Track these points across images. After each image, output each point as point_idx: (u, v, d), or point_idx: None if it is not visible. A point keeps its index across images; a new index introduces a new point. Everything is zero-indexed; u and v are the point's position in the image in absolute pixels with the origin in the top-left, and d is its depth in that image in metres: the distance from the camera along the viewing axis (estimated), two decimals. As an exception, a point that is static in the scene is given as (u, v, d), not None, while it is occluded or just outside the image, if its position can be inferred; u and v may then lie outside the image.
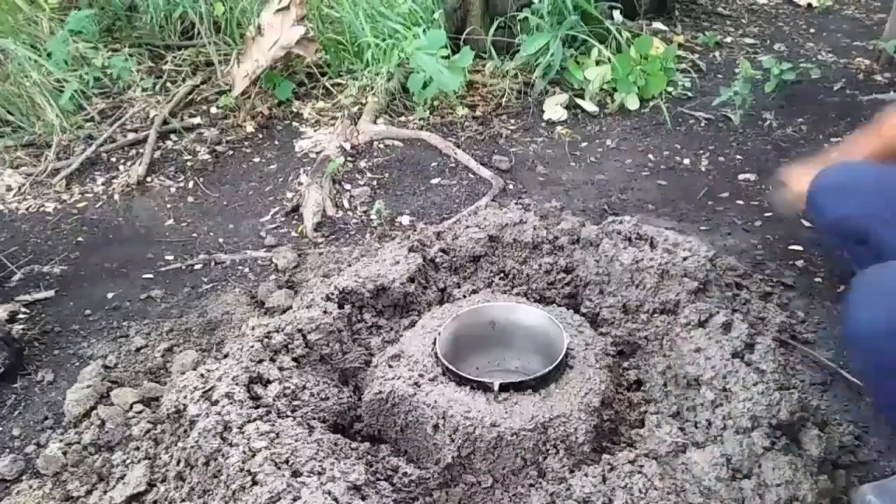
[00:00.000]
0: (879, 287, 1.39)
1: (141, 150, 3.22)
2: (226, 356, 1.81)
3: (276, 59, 3.44)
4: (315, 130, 3.35)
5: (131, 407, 1.88)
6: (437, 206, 2.82)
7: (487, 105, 3.48)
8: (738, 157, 3.06)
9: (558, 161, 3.10)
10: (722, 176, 2.93)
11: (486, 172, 2.96)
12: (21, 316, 2.31)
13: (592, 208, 2.73)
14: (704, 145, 3.16)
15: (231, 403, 1.60)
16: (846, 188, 1.77)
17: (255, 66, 3.45)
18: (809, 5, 4.69)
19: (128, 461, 1.74)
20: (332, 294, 1.97)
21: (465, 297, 2.09)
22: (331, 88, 3.59)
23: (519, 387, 1.66)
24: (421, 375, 1.74)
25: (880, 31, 4.01)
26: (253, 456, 1.47)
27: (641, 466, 1.56)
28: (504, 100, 3.49)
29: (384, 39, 3.45)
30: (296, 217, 2.81)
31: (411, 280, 2.05)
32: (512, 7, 3.45)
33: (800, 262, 2.37)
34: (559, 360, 1.69)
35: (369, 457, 1.59)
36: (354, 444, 1.62)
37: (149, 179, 3.08)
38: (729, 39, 4.12)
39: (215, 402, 1.61)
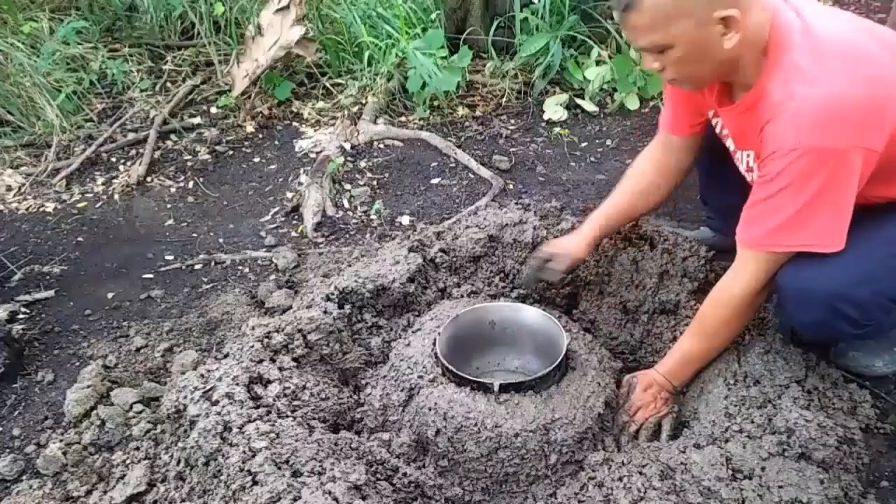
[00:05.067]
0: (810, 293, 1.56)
1: (141, 150, 3.22)
2: (226, 356, 1.81)
3: (276, 59, 3.44)
4: (315, 130, 3.35)
5: (131, 407, 1.88)
6: (437, 206, 2.82)
7: (487, 105, 3.48)
8: (738, 157, 3.06)
9: (558, 161, 3.10)
10: (722, 176, 2.93)
11: (486, 172, 2.96)
12: (21, 316, 2.31)
13: (592, 208, 2.72)
14: (704, 145, 3.16)
15: (231, 403, 1.60)
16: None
17: (255, 66, 3.45)
18: (809, 5, 4.70)
19: (128, 461, 1.74)
20: (332, 294, 1.97)
21: (461, 297, 2.09)
22: (331, 88, 3.59)
23: (519, 387, 1.66)
24: (420, 377, 1.74)
25: (880, 31, 4.00)
26: (253, 456, 1.47)
27: (642, 466, 1.56)
28: (504, 100, 3.48)
29: (383, 40, 3.45)
30: (296, 217, 2.81)
31: (411, 280, 2.05)
32: (512, 7, 3.45)
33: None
34: (559, 360, 1.70)
35: (369, 457, 1.59)
36: (355, 444, 1.61)
37: (149, 179, 3.07)
38: (729, 39, 4.12)
39: (215, 402, 1.61)
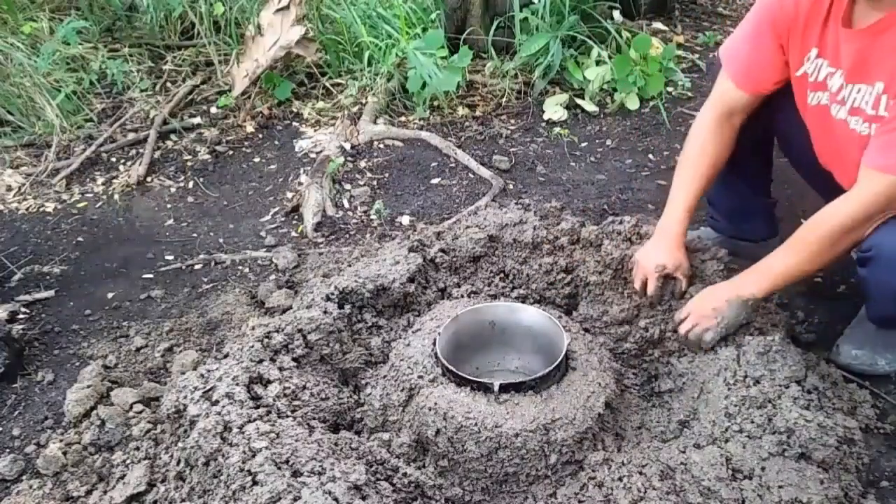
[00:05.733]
0: None
1: (141, 150, 3.21)
2: (226, 356, 1.81)
3: (276, 59, 3.44)
4: (315, 130, 3.35)
5: (131, 407, 1.88)
6: (437, 206, 2.82)
7: (487, 105, 3.47)
8: (738, 157, 3.05)
9: (558, 161, 3.10)
10: (722, 176, 2.93)
11: (486, 172, 2.96)
12: (21, 316, 2.31)
13: (592, 208, 2.73)
14: (704, 145, 3.15)
15: (231, 403, 1.60)
16: None
17: (255, 66, 3.45)
18: (809, 5, 4.68)
19: (128, 461, 1.74)
20: (332, 294, 1.97)
21: (461, 297, 2.09)
22: (331, 88, 3.59)
23: (519, 387, 1.66)
24: (420, 377, 1.74)
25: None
26: (253, 456, 1.47)
27: (642, 466, 1.56)
28: (504, 100, 3.48)
29: (383, 40, 3.45)
30: (296, 217, 2.81)
31: (411, 280, 2.05)
32: (512, 7, 3.45)
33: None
34: (559, 360, 1.69)
35: (369, 457, 1.59)
36: (355, 444, 1.61)
37: (149, 179, 3.07)
38: (729, 39, 4.11)
39: (215, 402, 1.61)
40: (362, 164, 3.10)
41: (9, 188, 3.03)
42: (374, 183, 2.98)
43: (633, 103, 3.41)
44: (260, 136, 3.37)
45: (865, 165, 1.57)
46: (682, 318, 1.81)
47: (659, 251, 1.93)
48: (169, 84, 3.71)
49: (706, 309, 1.77)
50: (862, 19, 1.57)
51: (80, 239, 2.75)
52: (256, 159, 3.22)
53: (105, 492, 1.68)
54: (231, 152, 3.26)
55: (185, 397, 1.66)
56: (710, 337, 1.77)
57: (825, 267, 1.76)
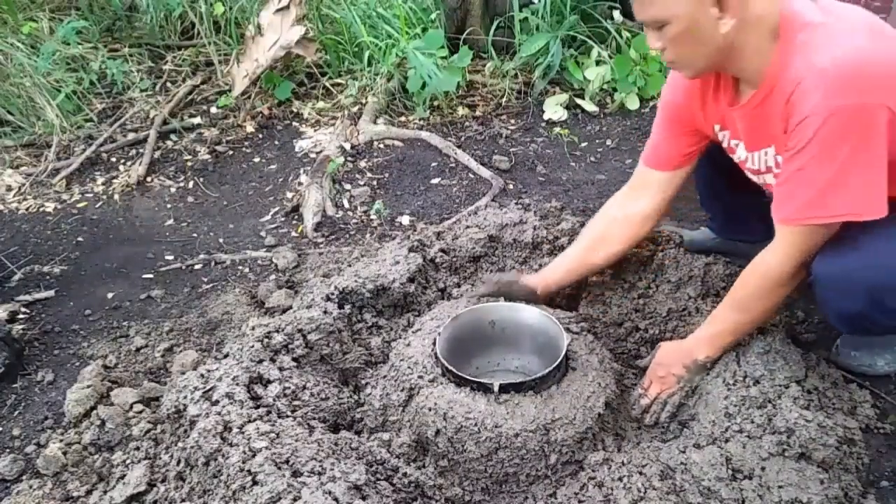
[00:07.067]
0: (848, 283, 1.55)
1: (141, 150, 3.22)
2: (226, 356, 1.81)
3: (276, 59, 3.44)
4: (315, 130, 3.35)
5: (131, 407, 1.88)
6: (437, 206, 2.82)
7: (487, 105, 3.48)
8: (738, 157, 3.06)
9: (558, 161, 3.10)
10: (722, 176, 2.93)
11: (486, 172, 2.96)
12: (21, 316, 2.31)
13: (592, 208, 2.72)
14: (704, 145, 3.15)
15: (231, 403, 1.60)
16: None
17: (255, 66, 3.45)
18: (809, 5, 4.69)
19: (128, 461, 1.74)
20: (332, 294, 1.97)
21: (461, 297, 2.09)
22: (331, 88, 3.59)
23: (519, 388, 1.66)
24: (420, 377, 1.74)
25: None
26: (253, 456, 1.47)
27: (642, 466, 1.56)
28: (504, 100, 3.48)
29: (383, 40, 3.45)
30: (296, 217, 2.81)
31: (411, 280, 2.05)
32: (512, 7, 3.45)
33: (800, 263, 2.36)
34: (559, 360, 1.69)
35: (369, 457, 1.59)
36: (355, 444, 1.61)
37: (149, 179, 3.08)
38: (729, 39, 4.12)
39: (215, 402, 1.61)
40: (362, 164, 3.10)
41: (9, 188, 3.03)
42: (374, 183, 2.98)
43: (633, 103, 3.41)
44: (260, 136, 3.37)
45: (775, 219, 1.59)
46: (645, 387, 1.80)
47: (531, 278, 1.97)
48: (169, 84, 3.71)
49: (667, 376, 1.77)
50: (744, 95, 1.62)
51: (80, 239, 2.75)
52: (256, 159, 3.22)
53: (105, 492, 1.68)
54: (231, 152, 3.27)
55: (185, 397, 1.66)
56: (676, 400, 1.77)
57: (773, 313, 1.79)
